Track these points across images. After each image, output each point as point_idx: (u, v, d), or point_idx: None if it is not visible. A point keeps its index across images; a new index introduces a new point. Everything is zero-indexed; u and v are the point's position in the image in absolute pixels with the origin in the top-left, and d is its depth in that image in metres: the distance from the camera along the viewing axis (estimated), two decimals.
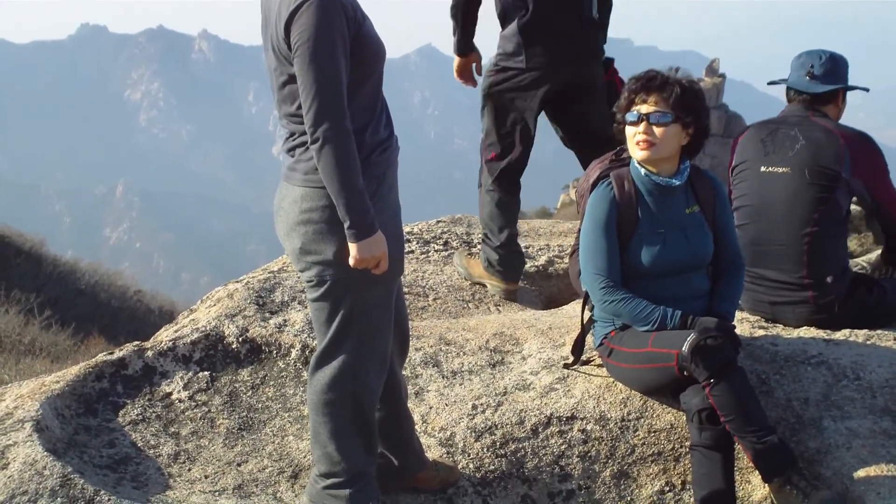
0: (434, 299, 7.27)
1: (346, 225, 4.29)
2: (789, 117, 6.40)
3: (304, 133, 4.42)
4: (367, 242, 4.31)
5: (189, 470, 5.32)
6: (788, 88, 6.50)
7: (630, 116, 5.24)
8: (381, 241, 4.37)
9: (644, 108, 5.20)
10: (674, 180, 5.31)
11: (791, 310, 6.25)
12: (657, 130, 5.18)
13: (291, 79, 4.36)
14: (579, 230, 5.63)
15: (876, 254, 7.42)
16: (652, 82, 5.20)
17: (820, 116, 6.31)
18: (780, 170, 6.20)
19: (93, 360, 6.06)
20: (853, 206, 6.83)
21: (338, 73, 4.24)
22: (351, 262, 4.34)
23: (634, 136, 5.23)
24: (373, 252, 4.34)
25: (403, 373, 5.72)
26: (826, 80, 6.38)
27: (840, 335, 6.05)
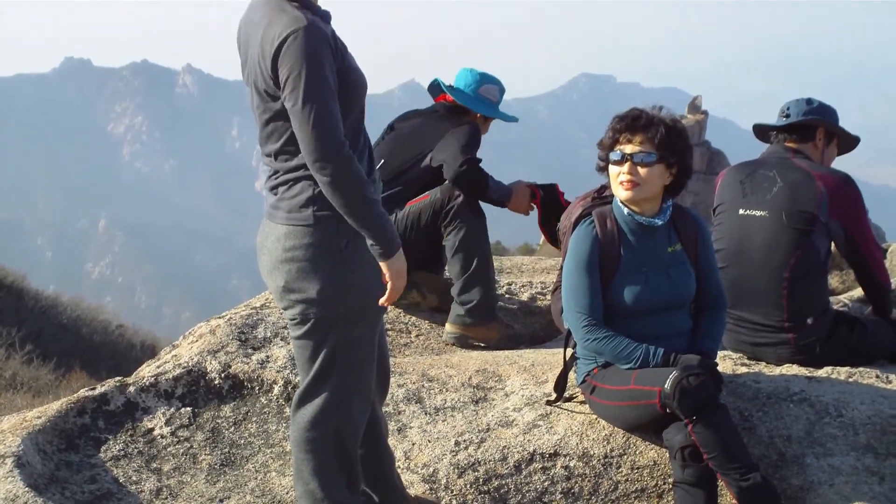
0: (417, 335, 7.27)
1: (375, 246, 4.33)
2: (769, 158, 6.43)
3: (287, 171, 4.43)
4: (398, 256, 4.38)
5: None
6: (769, 130, 6.56)
7: (614, 156, 5.25)
8: (402, 254, 4.43)
9: (628, 148, 5.21)
10: (656, 220, 5.33)
11: (773, 351, 6.27)
12: (641, 171, 5.20)
13: (275, 116, 4.37)
14: (562, 267, 5.63)
15: (858, 291, 7.43)
16: (637, 122, 5.22)
17: (801, 158, 6.34)
18: (758, 213, 6.22)
19: (74, 395, 6.05)
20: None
21: (332, 102, 4.25)
22: (388, 279, 4.40)
23: (618, 176, 5.24)
24: (402, 266, 4.41)
25: (386, 409, 5.73)
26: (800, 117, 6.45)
27: (822, 373, 6.06)
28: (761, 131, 6.71)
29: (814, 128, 6.51)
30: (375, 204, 4.30)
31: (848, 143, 6.70)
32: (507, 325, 7.38)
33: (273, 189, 4.55)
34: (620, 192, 5.28)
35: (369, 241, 4.31)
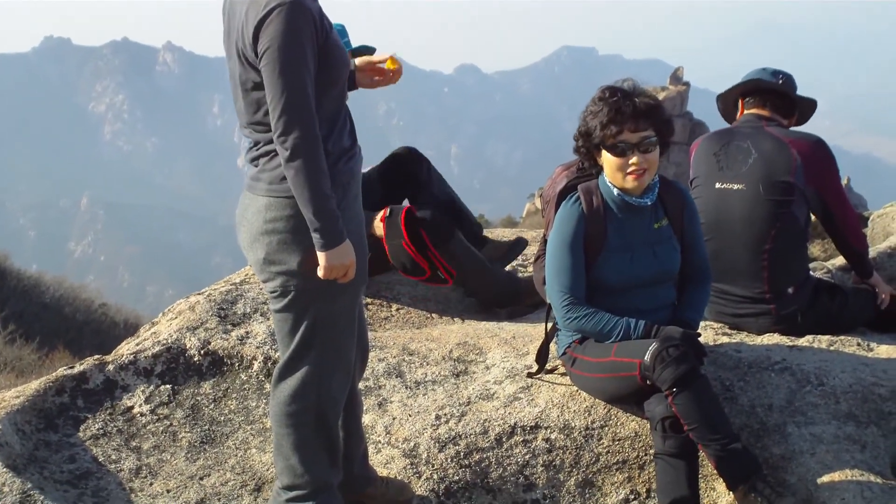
0: (397, 310, 7.24)
1: (315, 234, 4.27)
2: (742, 127, 6.40)
3: (268, 142, 4.39)
4: (336, 251, 4.29)
5: (151, 484, 5.28)
6: (743, 99, 6.53)
7: (617, 147, 5.17)
8: (349, 249, 4.35)
9: (633, 138, 5.14)
10: (646, 200, 5.30)
11: (754, 321, 6.27)
12: (649, 157, 5.17)
13: (256, 87, 4.34)
14: (544, 237, 5.61)
15: (840, 259, 7.42)
16: (626, 108, 5.14)
17: (774, 126, 6.32)
18: (735, 186, 6.20)
19: (53, 374, 6.00)
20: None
21: (306, 81, 4.23)
22: (320, 272, 4.32)
23: (626, 167, 5.17)
24: (342, 260, 4.32)
25: (366, 383, 5.72)
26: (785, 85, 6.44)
27: (804, 341, 6.07)
28: (730, 103, 6.68)
29: (795, 108, 6.51)
30: (327, 199, 4.25)
31: (804, 114, 6.71)
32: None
33: (254, 160, 4.52)
34: (629, 182, 5.21)
35: (310, 228, 4.29)
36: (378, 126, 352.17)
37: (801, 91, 6.57)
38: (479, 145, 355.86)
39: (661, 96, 64.60)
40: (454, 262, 7.17)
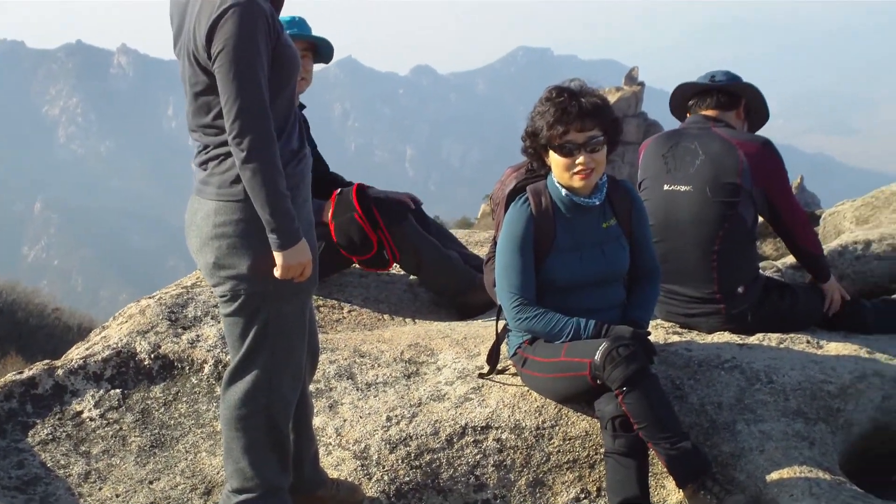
0: (349, 311, 7.23)
1: (272, 234, 4.27)
2: (690, 128, 6.43)
3: (217, 146, 4.38)
4: (293, 250, 4.30)
5: (100, 489, 5.25)
6: (694, 96, 6.56)
7: (563, 147, 5.18)
8: (306, 247, 4.36)
9: (580, 138, 5.15)
10: (594, 199, 5.32)
11: (705, 321, 6.31)
12: (596, 156, 5.18)
13: (207, 90, 4.32)
14: (494, 239, 5.62)
15: (791, 258, 7.46)
16: (572, 108, 5.15)
17: (722, 127, 6.35)
18: (683, 188, 6.23)
19: (1, 380, 5.95)
20: None
21: (262, 82, 4.22)
22: (277, 272, 4.31)
23: (573, 166, 5.19)
24: (299, 259, 4.33)
25: (317, 385, 5.70)
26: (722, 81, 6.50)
27: (754, 339, 6.10)
28: (678, 106, 6.71)
29: (740, 97, 6.54)
30: (284, 198, 4.25)
31: (758, 122, 6.75)
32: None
33: (202, 164, 4.50)
34: (577, 182, 5.23)
35: (267, 229, 4.28)
36: (333, 128, 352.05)
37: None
38: (435, 147, 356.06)
39: (615, 97, 64.81)
40: (405, 244, 7.18)
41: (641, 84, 68.05)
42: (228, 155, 4.34)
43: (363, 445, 5.34)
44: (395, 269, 7.76)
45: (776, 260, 8.47)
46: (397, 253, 7.23)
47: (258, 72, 4.21)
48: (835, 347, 6.07)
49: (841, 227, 12.64)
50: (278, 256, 4.29)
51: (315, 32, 6.97)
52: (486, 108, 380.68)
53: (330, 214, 7.15)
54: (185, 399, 5.92)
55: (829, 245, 10.09)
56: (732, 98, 6.52)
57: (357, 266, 7.65)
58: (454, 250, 7.53)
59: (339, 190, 7.20)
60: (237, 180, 4.32)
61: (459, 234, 9.33)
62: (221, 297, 4.51)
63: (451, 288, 7.39)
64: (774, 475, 4.97)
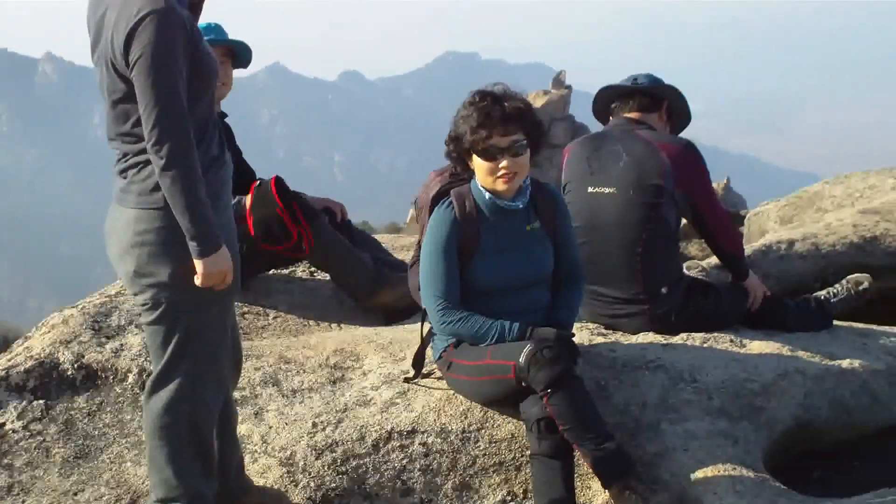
0: (275, 318, 7.20)
1: (192, 242, 4.26)
2: (613, 131, 6.48)
3: (136, 153, 4.36)
4: (213, 258, 4.29)
5: (23, 502, 5.19)
6: (615, 99, 6.61)
7: (487, 152, 5.19)
8: (226, 255, 4.35)
9: (503, 142, 5.16)
10: (517, 203, 5.33)
11: (629, 322, 6.34)
12: (519, 160, 5.20)
13: (126, 97, 4.30)
14: (419, 243, 5.62)
15: (715, 259, 7.53)
16: (495, 112, 5.16)
17: (645, 129, 6.40)
18: (607, 190, 6.26)
19: None
20: None
21: (180, 89, 4.21)
22: (198, 280, 4.30)
23: (496, 171, 5.20)
24: (219, 267, 4.32)
25: (242, 393, 5.67)
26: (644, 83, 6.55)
27: (678, 339, 6.14)
28: (601, 109, 6.75)
29: (662, 99, 6.59)
30: (204, 206, 4.25)
31: (681, 124, 6.80)
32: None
33: (122, 172, 4.47)
34: (500, 185, 5.24)
35: (187, 237, 4.26)
36: (261, 135, 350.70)
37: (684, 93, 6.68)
38: (364, 152, 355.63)
39: (543, 100, 65.01)
40: (317, 241, 7.18)
41: (569, 87, 68.36)
42: (148, 163, 4.32)
43: (289, 452, 5.31)
44: (322, 275, 7.75)
45: (702, 260, 8.53)
46: (312, 242, 7.20)
47: (176, 79, 4.20)
48: (758, 346, 6.13)
49: (765, 227, 12.77)
50: (198, 264, 4.27)
51: (242, 38, 6.94)
52: (414, 112, 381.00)
53: (248, 208, 7.12)
54: (109, 409, 5.86)
55: (752, 245, 10.19)
56: (655, 100, 6.57)
57: (280, 271, 7.64)
58: (373, 254, 7.52)
59: (258, 182, 7.16)
60: (157, 188, 4.30)
61: (387, 238, 9.33)
62: (143, 305, 4.49)
63: (358, 287, 7.39)
64: (699, 474, 5.01)
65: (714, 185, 7.16)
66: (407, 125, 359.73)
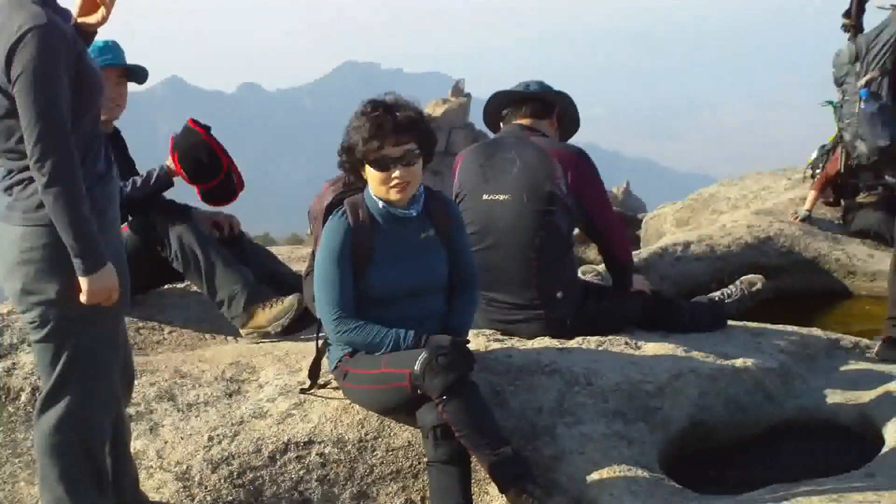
0: (170, 332, 7.12)
1: (76, 259, 4.22)
2: (506, 138, 6.52)
3: (21, 170, 4.31)
4: (98, 275, 4.25)
5: None
6: (505, 112, 6.66)
7: (379, 162, 5.19)
8: (112, 272, 4.32)
9: (395, 152, 5.17)
10: (411, 211, 5.34)
11: (525, 327, 6.38)
12: (412, 169, 5.21)
13: (8, 114, 4.24)
14: (313, 253, 5.61)
15: None
16: (387, 122, 5.17)
17: (538, 136, 6.44)
18: (501, 197, 6.31)
19: None
20: None
21: (62, 106, 4.17)
22: (83, 297, 4.25)
23: (388, 181, 5.20)
24: (105, 284, 4.28)
25: (137, 408, 5.62)
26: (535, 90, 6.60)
27: (573, 343, 6.20)
28: (493, 115, 6.78)
29: (553, 105, 6.64)
30: (87, 223, 4.22)
31: (570, 130, 6.86)
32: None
33: (7, 189, 4.42)
34: (393, 195, 5.24)
35: (71, 254, 4.23)
36: (160, 148, 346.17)
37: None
38: (264, 164, 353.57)
39: (442, 109, 65.03)
40: (182, 248, 6.98)
41: (468, 95, 68.46)
42: (32, 180, 4.27)
43: (185, 467, 5.27)
44: None
45: (599, 265, 8.61)
46: (242, 180, 7.13)
47: (59, 95, 4.16)
48: (652, 348, 6.20)
49: (662, 230, 12.91)
50: (83, 281, 4.23)
51: (139, 49, 6.85)
52: (314, 123, 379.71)
53: (171, 150, 7.00)
54: (1, 428, 5.77)
55: (649, 248, 10.30)
56: (546, 106, 6.62)
57: (176, 286, 7.56)
58: (270, 268, 7.41)
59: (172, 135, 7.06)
60: (42, 205, 4.25)
61: (284, 250, 9.31)
62: (31, 323, 4.44)
63: (230, 307, 7.00)
64: (595, 476, 5.05)
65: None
66: (307, 136, 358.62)
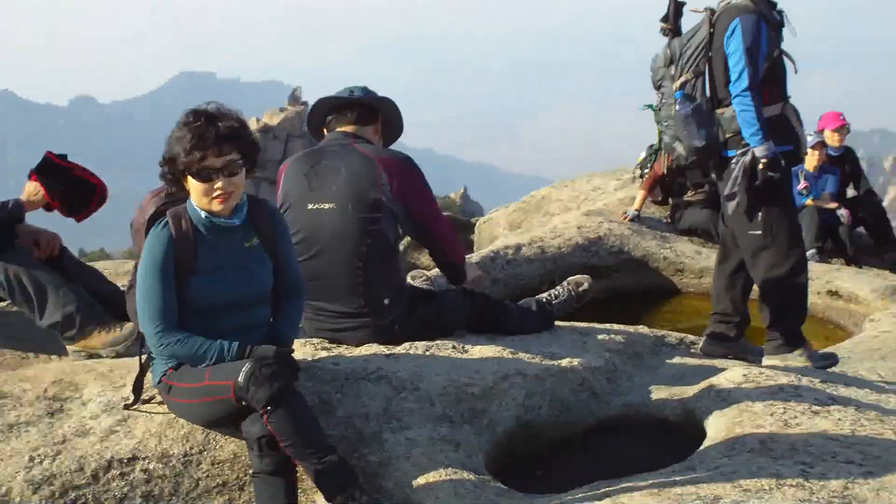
0: None
1: None
2: (330, 146, 6.51)
3: None
4: None
5: None
6: (324, 122, 6.65)
7: (201, 173, 5.13)
8: None
9: (218, 162, 5.11)
10: (234, 220, 5.29)
11: (353, 334, 6.39)
12: (234, 180, 5.15)
13: None
14: (136, 266, 5.53)
15: None
16: (209, 133, 5.10)
17: (362, 143, 6.45)
18: (326, 206, 6.30)
19: None
20: None
21: None
22: None
23: (211, 191, 5.15)
24: None
25: None
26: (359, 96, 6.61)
27: (401, 349, 6.22)
28: (317, 121, 6.76)
29: (376, 111, 6.65)
30: None
31: (393, 136, 6.89)
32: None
33: None
34: (215, 206, 5.19)
35: None
36: None
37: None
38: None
39: (280, 117, 64.85)
40: (8, 278, 6.90)
41: (305, 104, 68.40)
42: None
43: (4, 489, 5.14)
44: None
45: (430, 269, 8.65)
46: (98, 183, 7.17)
47: None
48: (479, 350, 6.25)
49: (495, 234, 13.03)
50: None
51: None
52: (148, 136, 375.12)
53: (45, 193, 6.98)
54: None
55: (481, 251, 10.38)
56: (370, 112, 6.63)
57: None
58: (91, 286, 7.28)
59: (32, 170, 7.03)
60: None
61: (110, 265, 9.16)
62: None
63: (62, 326, 7.00)
64: (421, 480, 5.06)
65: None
66: (142, 149, 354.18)
